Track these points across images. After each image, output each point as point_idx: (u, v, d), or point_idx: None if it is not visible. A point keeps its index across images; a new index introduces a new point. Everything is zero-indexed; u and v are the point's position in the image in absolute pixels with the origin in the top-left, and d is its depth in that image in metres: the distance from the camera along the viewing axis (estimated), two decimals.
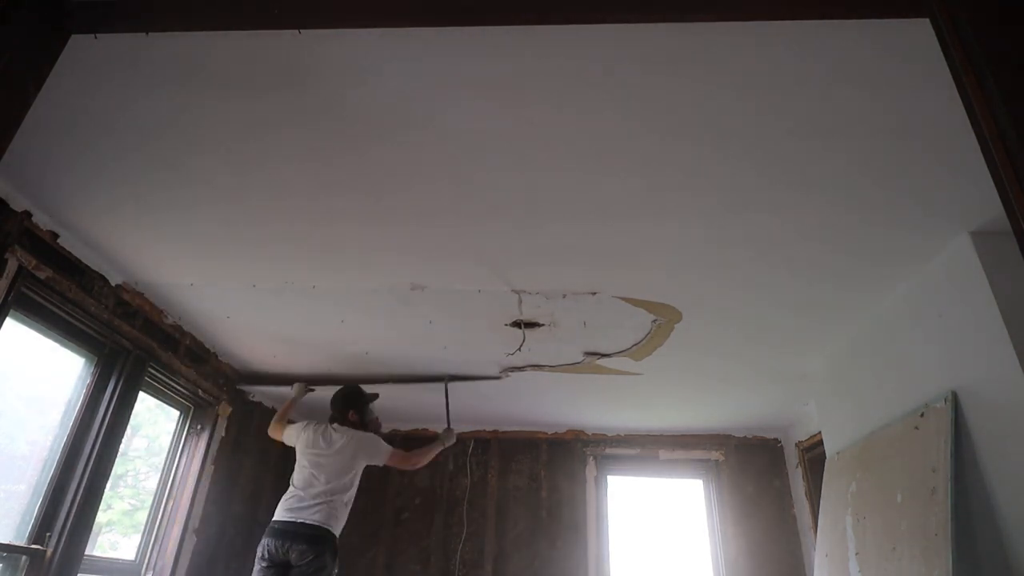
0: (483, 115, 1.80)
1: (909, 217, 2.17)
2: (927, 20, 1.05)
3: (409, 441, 5.16)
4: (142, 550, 3.40)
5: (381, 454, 3.35)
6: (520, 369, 3.83)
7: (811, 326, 3.10)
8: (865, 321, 2.97)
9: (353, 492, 3.25)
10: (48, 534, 2.64)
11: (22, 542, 2.57)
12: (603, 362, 3.64)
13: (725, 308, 2.93)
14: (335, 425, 3.37)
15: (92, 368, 2.95)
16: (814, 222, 2.23)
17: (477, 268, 2.70)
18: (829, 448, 3.37)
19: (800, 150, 1.87)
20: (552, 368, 3.77)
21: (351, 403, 3.49)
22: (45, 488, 2.68)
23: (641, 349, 3.44)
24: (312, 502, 3.07)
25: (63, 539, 2.66)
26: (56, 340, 2.76)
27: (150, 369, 3.22)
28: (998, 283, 2.13)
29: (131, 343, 3.06)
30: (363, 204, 2.27)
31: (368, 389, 3.65)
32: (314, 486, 3.13)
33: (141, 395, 3.19)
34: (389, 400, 4.25)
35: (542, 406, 4.60)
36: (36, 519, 2.63)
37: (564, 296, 2.90)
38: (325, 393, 3.69)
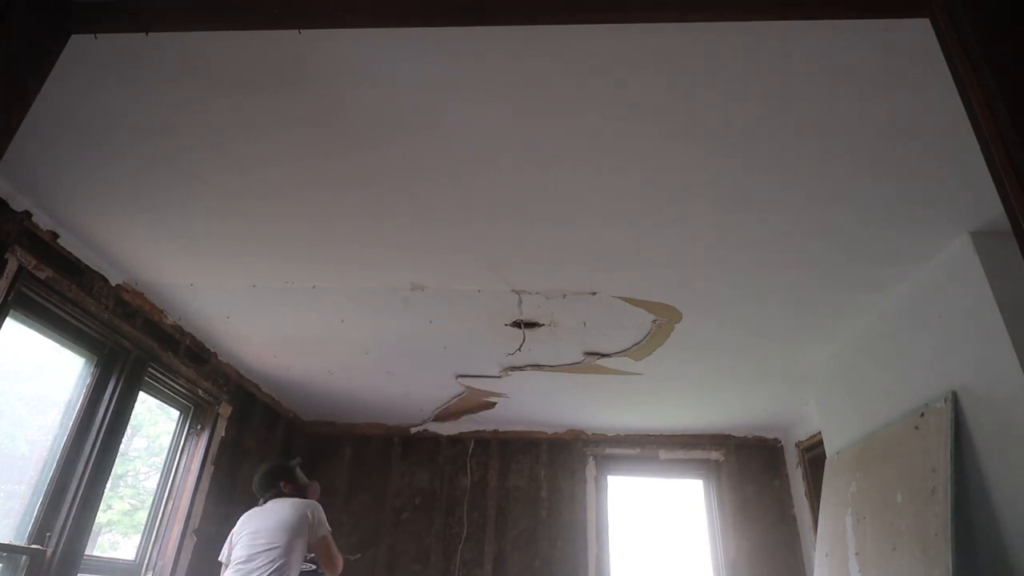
0: (483, 115, 1.80)
1: (909, 217, 2.17)
2: (927, 20, 1.05)
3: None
4: (142, 550, 3.40)
5: (320, 527, 3.02)
6: (520, 369, 3.83)
7: (811, 326, 3.10)
8: (865, 321, 2.96)
9: (297, 562, 2.92)
10: (48, 534, 2.63)
11: (22, 542, 2.57)
12: (603, 362, 3.64)
13: (725, 308, 2.93)
14: (272, 500, 3.10)
15: (92, 368, 2.95)
16: (815, 222, 2.23)
17: (477, 268, 2.70)
18: (829, 448, 3.37)
19: (800, 150, 1.87)
20: (552, 368, 3.78)
21: (280, 475, 3.23)
22: (45, 488, 2.68)
23: (641, 349, 3.44)
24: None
25: (63, 539, 2.66)
26: (56, 340, 2.76)
27: (150, 369, 3.22)
28: (998, 283, 2.13)
29: (131, 343, 3.06)
30: (363, 204, 2.27)
31: None
32: (250, 560, 2.85)
33: (141, 395, 3.19)
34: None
35: (542, 406, 4.60)
36: (36, 519, 2.62)
37: (564, 296, 2.90)
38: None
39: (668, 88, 1.67)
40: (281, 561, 2.84)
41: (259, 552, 2.86)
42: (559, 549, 4.79)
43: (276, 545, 2.86)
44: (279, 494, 3.15)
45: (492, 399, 4.48)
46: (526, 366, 3.78)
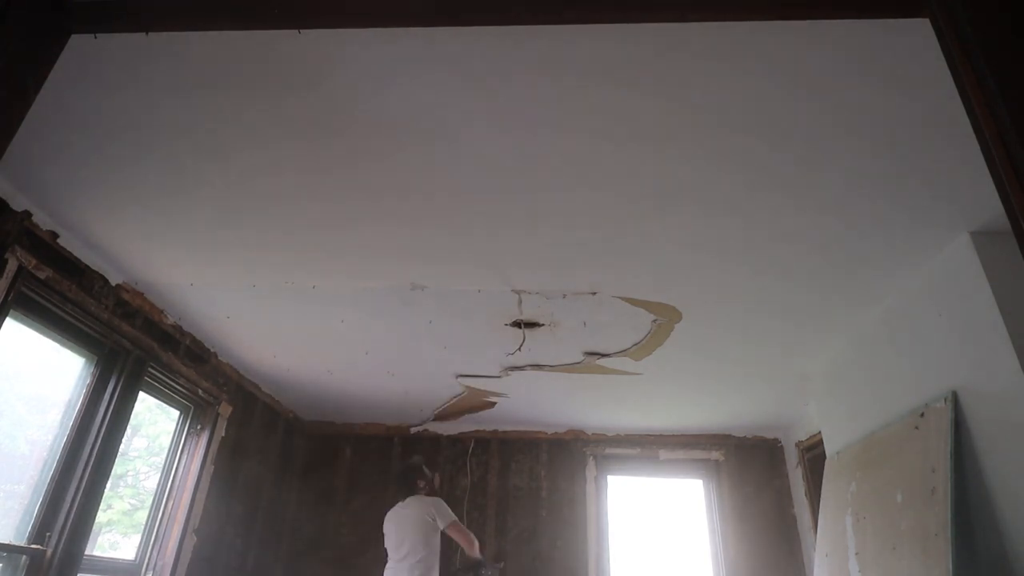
0: (483, 115, 1.80)
1: (909, 217, 2.17)
2: (927, 20, 1.05)
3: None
4: (142, 550, 3.40)
5: (444, 517, 3.64)
6: (520, 369, 3.83)
7: (811, 326, 3.10)
8: (865, 321, 2.96)
9: (434, 552, 3.58)
10: (48, 534, 2.63)
11: (22, 542, 2.57)
12: (603, 362, 3.64)
13: (725, 308, 2.93)
14: (405, 500, 3.75)
15: (92, 368, 2.95)
16: (815, 223, 2.23)
17: (477, 268, 2.70)
18: (829, 448, 3.37)
19: (800, 151, 1.87)
20: (552, 368, 3.77)
21: (414, 473, 3.86)
22: (45, 488, 2.67)
23: (641, 349, 3.44)
24: (402, 570, 3.51)
25: (63, 539, 2.65)
26: (56, 340, 2.76)
27: (150, 369, 3.22)
28: (998, 283, 2.13)
29: (131, 343, 3.06)
30: (363, 204, 2.27)
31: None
32: (399, 554, 3.58)
33: (141, 395, 3.19)
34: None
35: (542, 406, 4.60)
36: (36, 519, 2.62)
37: (564, 296, 2.90)
38: None
39: (668, 90, 1.67)
40: (420, 556, 3.50)
41: (404, 553, 3.55)
42: (559, 549, 4.79)
43: (414, 546, 3.53)
44: (412, 492, 3.76)
45: (492, 399, 4.48)
46: (526, 366, 3.78)
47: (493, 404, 4.59)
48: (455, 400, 4.54)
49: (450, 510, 3.69)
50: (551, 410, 4.69)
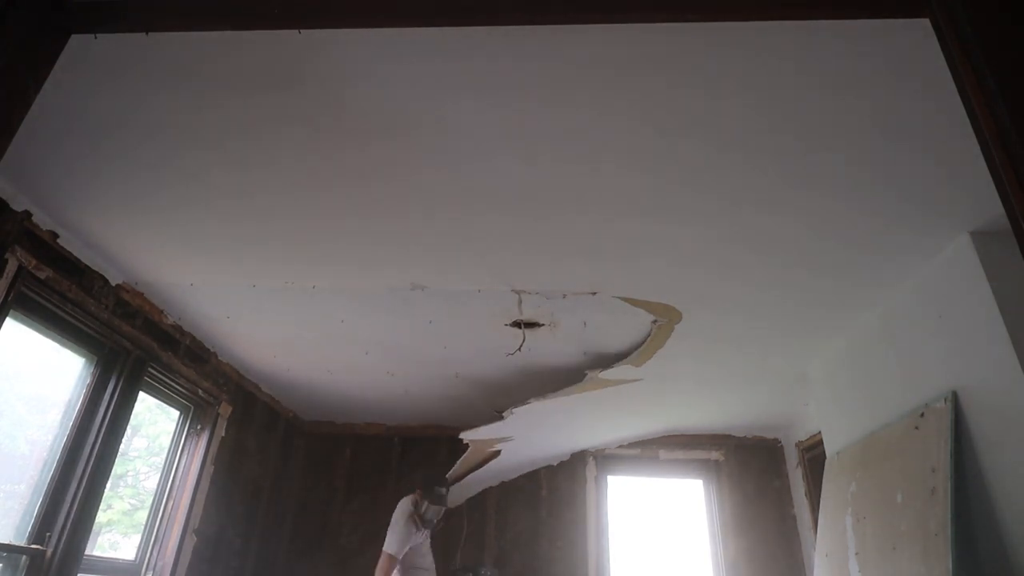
0: (483, 114, 1.80)
1: (909, 217, 2.17)
2: (927, 20, 1.05)
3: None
4: (142, 550, 3.40)
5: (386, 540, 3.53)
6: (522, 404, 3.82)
7: (811, 326, 3.10)
8: (865, 321, 2.96)
9: (412, 553, 3.60)
10: (48, 534, 2.63)
11: (22, 542, 2.57)
12: (605, 375, 3.61)
13: (725, 308, 2.93)
14: None
15: (92, 368, 2.95)
16: (814, 223, 2.23)
17: (477, 268, 2.70)
18: (829, 448, 3.37)
19: (801, 151, 1.87)
20: (554, 396, 3.75)
21: (416, 483, 3.84)
22: (45, 488, 2.68)
23: (642, 354, 3.42)
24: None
25: (63, 539, 2.66)
26: (56, 340, 2.76)
27: (150, 369, 3.22)
28: (998, 283, 2.13)
29: (131, 343, 3.06)
30: (363, 205, 2.27)
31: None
32: None
33: (141, 395, 3.19)
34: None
35: (544, 437, 4.53)
36: (36, 519, 2.62)
37: (564, 296, 2.90)
38: None
39: (667, 88, 1.67)
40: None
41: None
42: (559, 549, 4.78)
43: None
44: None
45: (497, 447, 4.39)
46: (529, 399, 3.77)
47: (498, 453, 4.48)
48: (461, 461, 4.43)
49: (394, 538, 3.51)
50: (555, 437, 4.63)
